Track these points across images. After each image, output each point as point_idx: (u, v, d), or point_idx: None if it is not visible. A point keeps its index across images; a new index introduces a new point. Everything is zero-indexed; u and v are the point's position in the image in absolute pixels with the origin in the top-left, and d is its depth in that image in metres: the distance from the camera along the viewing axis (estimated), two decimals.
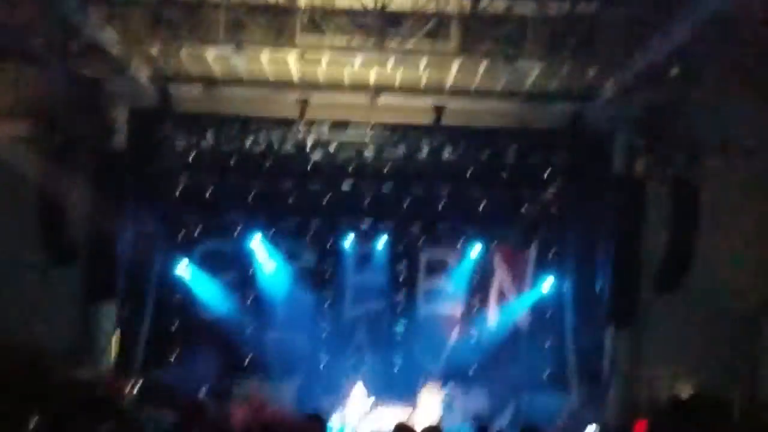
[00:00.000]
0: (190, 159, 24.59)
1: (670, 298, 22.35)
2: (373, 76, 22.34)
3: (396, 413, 22.23)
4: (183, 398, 21.50)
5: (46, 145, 21.23)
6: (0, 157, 21.60)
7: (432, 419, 22.44)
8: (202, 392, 22.61)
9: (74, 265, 22.53)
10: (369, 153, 24.60)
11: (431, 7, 19.77)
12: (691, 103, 20.64)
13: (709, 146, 21.35)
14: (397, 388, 24.58)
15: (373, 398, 23.95)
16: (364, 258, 26.43)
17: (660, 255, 22.11)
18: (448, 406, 23.60)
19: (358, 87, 22.81)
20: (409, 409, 23.08)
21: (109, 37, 20.21)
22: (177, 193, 25.13)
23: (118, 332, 23.71)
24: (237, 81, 22.75)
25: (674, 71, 19.68)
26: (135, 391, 22.53)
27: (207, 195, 25.37)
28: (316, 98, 23.00)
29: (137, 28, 20.34)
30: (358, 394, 23.81)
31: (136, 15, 20.26)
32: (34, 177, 21.29)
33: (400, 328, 26.44)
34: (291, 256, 26.26)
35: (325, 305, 26.44)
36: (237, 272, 26.13)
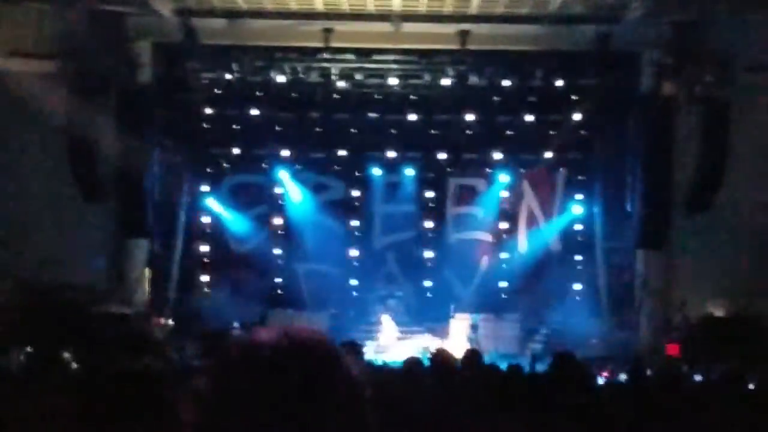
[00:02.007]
0: (216, 92, 24.54)
1: (700, 219, 22.27)
2: (397, 3, 22.11)
3: (427, 342, 22.30)
4: (206, 330, 21.75)
5: (72, 82, 21.25)
6: (28, 95, 21.62)
7: (463, 347, 22.43)
8: (235, 324, 22.80)
9: (105, 201, 22.64)
10: (394, 81, 24.43)
11: None
12: (719, 22, 20.38)
13: (738, 64, 21.12)
14: (427, 316, 24.67)
15: (404, 327, 24.03)
16: (392, 187, 26.41)
17: (690, 175, 22.00)
18: (479, 334, 23.55)
19: (382, 14, 22.60)
20: (440, 338, 23.08)
21: None
22: (203, 127, 25.14)
23: (150, 268, 23.86)
24: (261, 12, 22.59)
25: None
26: (169, 325, 22.74)
27: (233, 127, 25.37)
28: (340, 27, 22.81)
29: None
30: (390, 323, 23.89)
31: None
32: (61, 114, 21.32)
33: (429, 256, 26.46)
34: (319, 186, 26.30)
35: (355, 235, 26.52)
36: (266, 204, 26.23)
